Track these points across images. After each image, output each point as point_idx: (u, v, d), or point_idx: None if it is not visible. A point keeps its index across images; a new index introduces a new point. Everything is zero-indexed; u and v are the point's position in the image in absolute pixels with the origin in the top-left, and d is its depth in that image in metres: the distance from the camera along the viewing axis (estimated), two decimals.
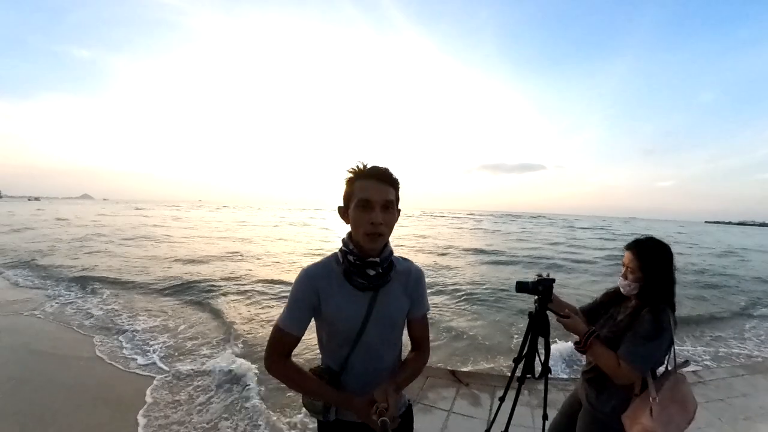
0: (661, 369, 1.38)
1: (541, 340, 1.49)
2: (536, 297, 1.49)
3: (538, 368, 1.55)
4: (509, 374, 1.68)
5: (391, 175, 1.04)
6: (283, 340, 1.05)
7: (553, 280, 1.48)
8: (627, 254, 1.44)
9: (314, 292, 1.05)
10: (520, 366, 1.56)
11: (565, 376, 4.05)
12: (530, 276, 1.53)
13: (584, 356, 1.48)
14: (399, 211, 1.10)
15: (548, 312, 1.48)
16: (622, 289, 1.45)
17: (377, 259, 1.06)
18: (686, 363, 1.41)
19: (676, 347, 1.34)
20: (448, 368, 3.94)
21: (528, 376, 1.53)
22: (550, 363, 1.54)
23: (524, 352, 1.52)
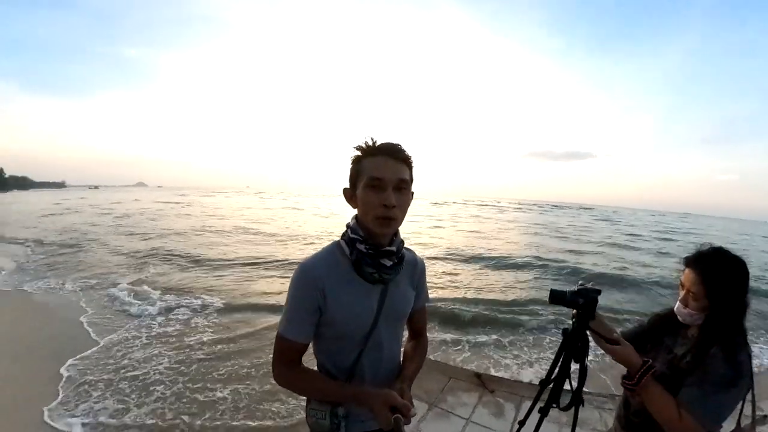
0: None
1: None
2: (574, 311, 1.21)
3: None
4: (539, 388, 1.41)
5: (405, 151, 0.93)
6: (288, 349, 0.95)
7: (599, 292, 1.18)
8: (687, 273, 1.11)
9: (318, 290, 0.91)
10: (547, 391, 1.29)
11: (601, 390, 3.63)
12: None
13: (623, 391, 1.19)
14: (413, 194, 0.99)
15: (588, 332, 1.18)
16: (680, 318, 1.15)
17: (393, 248, 0.96)
18: (767, 419, 1.08)
19: (755, 396, 1.04)
20: (474, 370, 3.69)
21: (553, 406, 1.25)
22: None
23: (553, 375, 1.25)
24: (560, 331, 1.25)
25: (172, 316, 5.60)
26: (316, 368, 1.04)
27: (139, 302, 6.10)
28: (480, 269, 10.34)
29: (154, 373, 3.96)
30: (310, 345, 1.01)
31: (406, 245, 1.07)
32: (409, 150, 0.94)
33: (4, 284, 7.10)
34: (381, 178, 0.88)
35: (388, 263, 0.95)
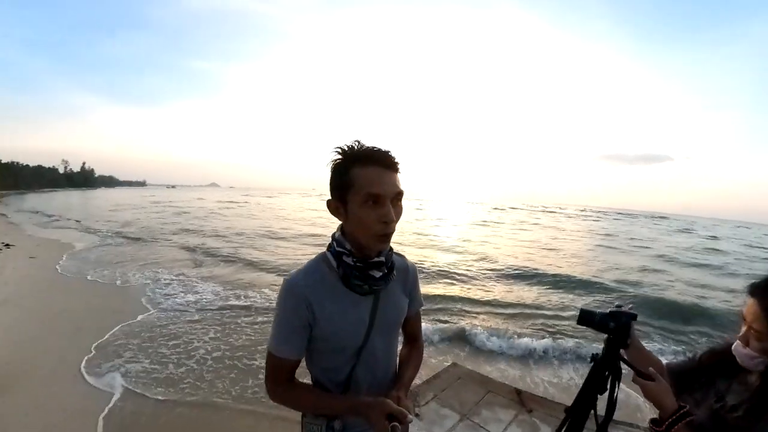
0: None
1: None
2: (606, 336, 1.12)
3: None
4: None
5: (396, 159, 0.85)
6: (281, 366, 0.92)
7: (633, 316, 1.07)
8: (751, 304, 0.91)
9: (305, 306, 0.88)
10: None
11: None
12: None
13: None
14: None
15: (621, 361, 1.09)
16: (738, 359, 0.94)
17: (383, 259, 0.90)
18: None
19: None
20: (515, 387, 3.53)
21: None
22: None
23: (580, 404, 1.17)
24: (589, 359, 1.17)
25: (224, 303, 6.21)
26: (310, 381, 1.00)
27: (190, 290, 6.82)
28: (530, 286, 9.38)
29: (198, 342, 4.55)
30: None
31: (396, 252, 1.02)
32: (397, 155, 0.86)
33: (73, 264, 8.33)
34: (379, 194, 0.82)
35: (378, 274, 0.90)
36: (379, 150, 0.84)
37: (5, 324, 4.89)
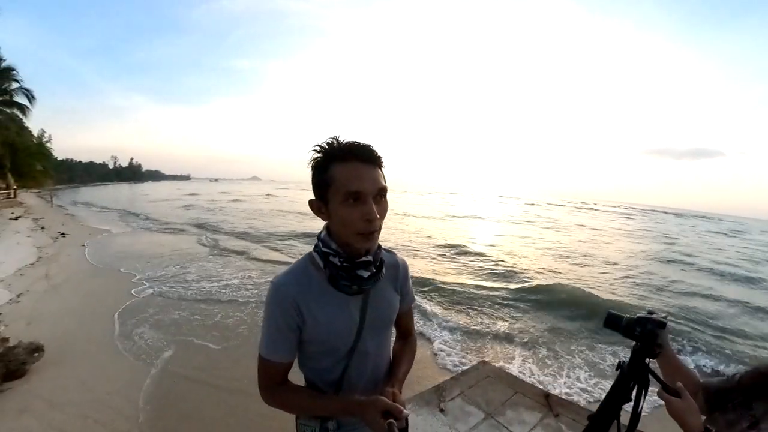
0: None
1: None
2: (634, 343, 1.07)
3: None
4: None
5: (377, 153, 0.82)
6: (272, 370, 0.90)
7: (663, 325, 1.01)
8: None
9: (294, 308, 0.86)
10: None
11: None
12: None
13: None
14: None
15: (647, 371, 1.03)
16: None
17: (370, 258, 0.88)
18: None
19: None
20: (544, 389, 3.45)
21: None
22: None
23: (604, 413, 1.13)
24: (616, 366, 1.13)
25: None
26: (303, 383, 0.99)
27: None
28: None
29: (231, 278, 6.22)
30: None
31: (385, 247, 0.99)
32: (378, 149, 0.83)
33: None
34: (359, 191, 0.79)
35: (366, 274, 0.87)
36: (359, 144, 0.81)
37: (63, 305, 5.41)
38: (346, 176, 0.79)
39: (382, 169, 0.85)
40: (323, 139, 0.83)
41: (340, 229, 0.84)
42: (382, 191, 0.82)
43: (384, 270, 0.94)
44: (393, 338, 1.14)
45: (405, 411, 0.79)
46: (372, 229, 0.81)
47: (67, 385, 3.39)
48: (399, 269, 1.03)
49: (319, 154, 0.83)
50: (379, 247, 0.94)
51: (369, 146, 0.82)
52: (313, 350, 0.92)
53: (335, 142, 0.82)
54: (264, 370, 0.91)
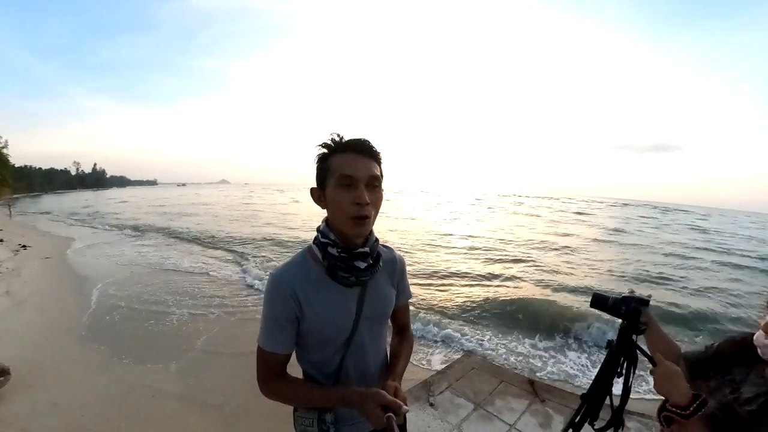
0: None
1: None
2: (621, 321, 1.12)
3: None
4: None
5: (374, 147, 0.89)
6: (271, 362, 0.92)
7: (645, 302, 1.08)
8: None
9: (292, 300, 0.88)
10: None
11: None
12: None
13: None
14: (382, 190, 0.93)
15: (635, 347, 1.09)
16: (759, 351, 0.90)
17: (367, 249, 0.92)
18: None
19: None
20: (528, 377, 3.55)
21: (588, 423, 1.18)
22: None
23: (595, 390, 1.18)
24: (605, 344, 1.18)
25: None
26: (301, 376, 1.01)
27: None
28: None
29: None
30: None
31: (383, 244, 1.03)
32: (378, 145, 0.89)
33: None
34: (351, 175, 0.84)
35: (363, 265, 0.91)
36: (358, 139, 0.88)
37: (28, 323, 5.08)
38: (341, 163, 0.86)
39: (380, 163, 0.91)
40: (327, 136, 0.89)
41: (335, 214, 0.89)
42: (374, 179, 0.87)
43: (381, 264, 0.97)
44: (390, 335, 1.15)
45: (404, 407, 0.80)
46: (363, 214, 0.85)
47: (39, 409, 3.19)
48: (396, 265, 1.06)
49: (324, 149, 0.90)
50: (377, 240, 0.97)
51: (367, 141, 0.88)
52: (311, 341, 0.94)
53: (338, 137, 0.88)
54: (263, 362, 0.93)
